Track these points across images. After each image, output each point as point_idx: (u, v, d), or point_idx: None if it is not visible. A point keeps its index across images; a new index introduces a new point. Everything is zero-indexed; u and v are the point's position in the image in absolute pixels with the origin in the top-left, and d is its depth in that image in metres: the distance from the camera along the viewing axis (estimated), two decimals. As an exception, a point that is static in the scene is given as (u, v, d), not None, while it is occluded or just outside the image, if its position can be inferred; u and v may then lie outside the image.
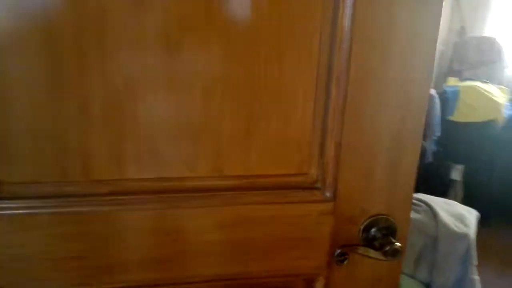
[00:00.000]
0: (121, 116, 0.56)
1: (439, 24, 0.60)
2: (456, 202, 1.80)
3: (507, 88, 2.80)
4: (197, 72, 0.56)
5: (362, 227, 0.67)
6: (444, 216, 1.63)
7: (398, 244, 0.64)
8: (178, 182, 0.61)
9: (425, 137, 2.49)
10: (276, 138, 0.61)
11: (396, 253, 0.63)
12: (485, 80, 2.80)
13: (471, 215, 1.69)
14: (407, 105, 0.62)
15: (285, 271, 0.67)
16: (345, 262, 0.66)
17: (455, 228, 1.59)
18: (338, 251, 0.65)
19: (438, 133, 2.60)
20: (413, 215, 1.60)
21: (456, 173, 2.80)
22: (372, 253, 0.65)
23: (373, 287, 0.72)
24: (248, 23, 0.56)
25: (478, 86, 2.70)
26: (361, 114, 0.61)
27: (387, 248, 0.63)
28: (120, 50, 0.54)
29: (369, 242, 0.67)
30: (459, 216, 1.66)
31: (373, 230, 0.67)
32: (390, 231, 0.67)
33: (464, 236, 1.58)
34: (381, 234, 0.67)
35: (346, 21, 0.57)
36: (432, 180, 2.57)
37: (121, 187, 0.59)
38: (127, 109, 0.56)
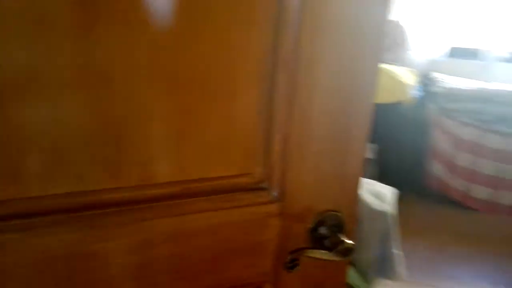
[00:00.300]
0: (15, 118, 0.43)
1: (386, 15, 0.55)
2: (375, 182, 1.86)
3: (415, 70, 2.98)
4: (115, 61, 0.45)
5: (311, 226, 0.62)
6: (365, 196, 1.68)
7: (349, 242, 0.59)
8: (97, 196, 0.49)
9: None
10: (215, 135, 0.53)
11: (348, 251, 0.59)
12: (392, 62, 2.94)
13: (390, 193, 1.76)
14: (355, 97, 0.57)
15: (231, 283, 0.60)
16: (295, 268, 0.60)
17: (376, 207, 1.65)
18: (289, 257, 0.59)
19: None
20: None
21: (370, 152, 2.94)
22: (324, 254, 0.60)
23: (322, 287, 0.67)
24: (179, 1, 0.46)
25: (386, 69, 2.83)
26: (309, 105, 0.54)
27: (339, 247, 0.59)
28: (12, 31, 0.41)
29: (319, 242, 0.62)
30: (379, 195, 1.73)
31: (322, 228, 0.62)
32: (339, 228, 0.63)
33: (385, 214, 1.64)
34: (330, 232, 0.62)
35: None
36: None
37: (21, 208, 0.46)
38: (22, 109, 0.43)
